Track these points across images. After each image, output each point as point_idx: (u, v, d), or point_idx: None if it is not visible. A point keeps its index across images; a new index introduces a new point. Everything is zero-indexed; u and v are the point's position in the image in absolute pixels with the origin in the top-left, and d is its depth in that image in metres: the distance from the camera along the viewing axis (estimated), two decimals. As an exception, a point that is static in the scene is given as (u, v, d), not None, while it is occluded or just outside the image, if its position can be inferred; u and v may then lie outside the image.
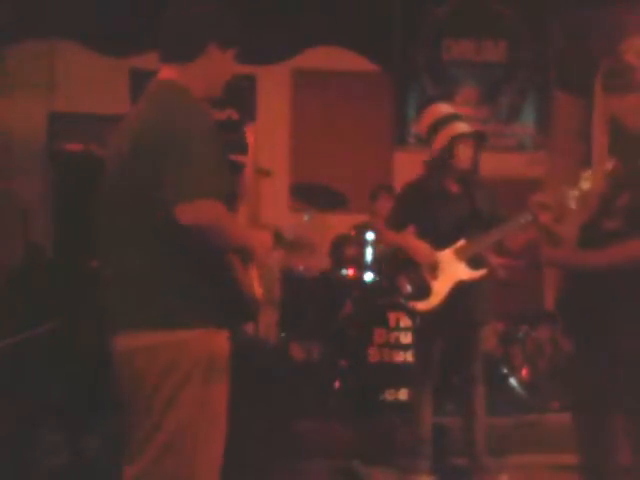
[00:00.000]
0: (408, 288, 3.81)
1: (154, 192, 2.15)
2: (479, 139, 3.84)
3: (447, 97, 4.19)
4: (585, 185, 2.88)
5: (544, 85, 6.56)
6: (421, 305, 3.76)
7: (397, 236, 3.92)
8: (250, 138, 2.92)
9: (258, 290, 2.42)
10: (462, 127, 3.78)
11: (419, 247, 3.78)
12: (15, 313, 4.54)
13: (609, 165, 2.73)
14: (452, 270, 3.74)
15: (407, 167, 5.62)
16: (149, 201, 2.18)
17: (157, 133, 2.18)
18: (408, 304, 3.82)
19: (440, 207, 3.80)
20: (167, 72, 2.34)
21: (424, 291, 3.76)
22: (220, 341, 2.34)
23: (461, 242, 3.76)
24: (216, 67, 2.37)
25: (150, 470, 2.27)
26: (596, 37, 5.36)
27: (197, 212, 2.09)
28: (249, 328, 5.16)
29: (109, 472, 3.49)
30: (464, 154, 3.78)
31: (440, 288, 3.74)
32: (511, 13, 6.43)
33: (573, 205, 2.93)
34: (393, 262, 4.05)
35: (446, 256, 3.76)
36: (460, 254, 3.75)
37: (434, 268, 3.74)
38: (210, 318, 2.29)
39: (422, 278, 3.77)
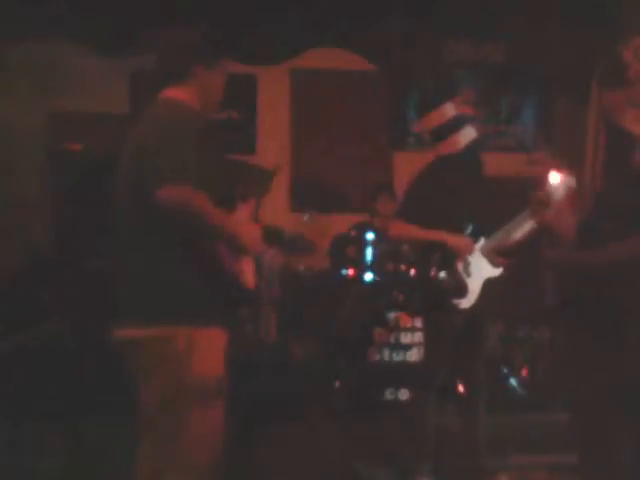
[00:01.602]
0: (449, 285, 3.78)
1: (142, 186, 2.38)
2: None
3: (449, 97, 4.19)
4: (579, 184, 2.91)
5: (544, 85, 6.56)
6: (464, 303, 3.75)
7: (425, 231, 3.86)
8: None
9: (250, 280, 2.58)
10: (473, 132, 3.81)
11: (459, 240, 3.76)
12: (15, 313, 4.54)
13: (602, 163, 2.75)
14: (480, 268, 3.76)
15: (407, 167, 5.62)
16: (140, 196, 2.39)
17: (147, 138, 2.44)
18: (450, 302, 3.78)
19: (451, 203, 3.79)
20: (167, 91, 2.57)
21: (462, 288, 3.75)
22: (209, 336, 2.45)
23: (482, 241, 3.78)
24: (206, 86, 2.60)
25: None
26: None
27: (176, 194, 2.31)
28: (249, 328, 5.17)
29: (109, 472, 3.50)
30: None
31: (474, 286, 3.75)
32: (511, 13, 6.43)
33: (570, 204, 2.95)
34: (428, 259, 4.01)
35: (475, 254, 3.78)
36: (483, 252, 3.77)
37: (468, 265, 3.75)
38: (197, 315, 2.42)
39: (459, 275, 3.77)
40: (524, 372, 4.96)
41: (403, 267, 5.09)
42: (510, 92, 6.58)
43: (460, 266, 3.76)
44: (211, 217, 2.41)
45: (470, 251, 3.76)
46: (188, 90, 2.55)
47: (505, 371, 4.88)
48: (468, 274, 3.76)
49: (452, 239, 3.77)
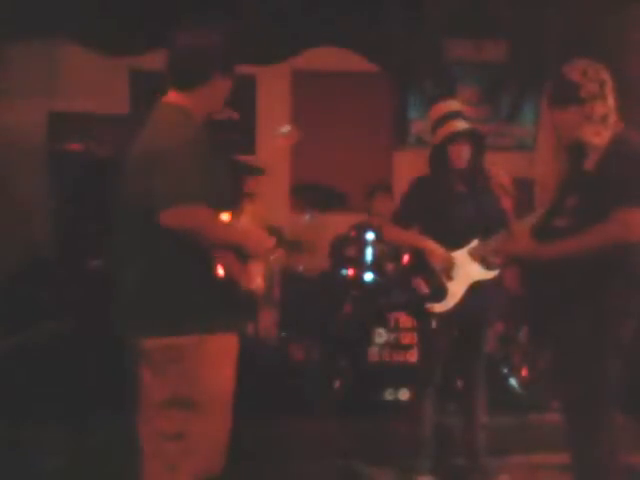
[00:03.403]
0: (425, 289, 3.80)
1: (147, 202, 2.33)
2: (474, 138, 3.81)
3: (452, 95, 4.24)
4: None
5: (544, 85, 6.55)
6: (438, 307, 3.75)
7: (409, 235, 3.89)
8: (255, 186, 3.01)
9: (259, 285, 2.54)
10: (456, 125, 3.76)
11: (434, 249, 3.76)
12: (15, 313, 4.54)
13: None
14: (467, 271, 3.74)
15: (407, 167, 5.63)
16: (143, 212, 2.35)
17: (149, 149, 2.39)
18: (425, 305, 3.80)
19: (445, 206, 3.79)
20: (172, 95, 2.52)
21: (440, 292, 3.75)
22: (218, 344, 2.42)
23: (474, 243, 3.76)
24: (217, 93, 2.56)
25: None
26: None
27: (179, 216, 2.29)
28: (249, 328, 5.16)
29: (109, 472, 3.50)
30: (457, 152, 3.76)
31: (456, 289, 3.73)
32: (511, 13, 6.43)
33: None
34: (407, 263, 4.04)
35: (461, 257, 3.75)
36: (474, 255, 3.75)
37: (449, 269, 3.74)
38: (204, 324, 2.39)
39: (438, 279, 3.76)
40: (524, 372, 4.95)
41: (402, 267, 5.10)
42: (510, 92, 6.57)
43: (441, 270, 3.76)
44: (217, 232, 2.39)
45: (444, 261, 3.74)
46: (195, 95, 2.49)
47: (505, 371, 4.88)
48: (450, 278, 3.75)
49: (428, 246, 3.77)
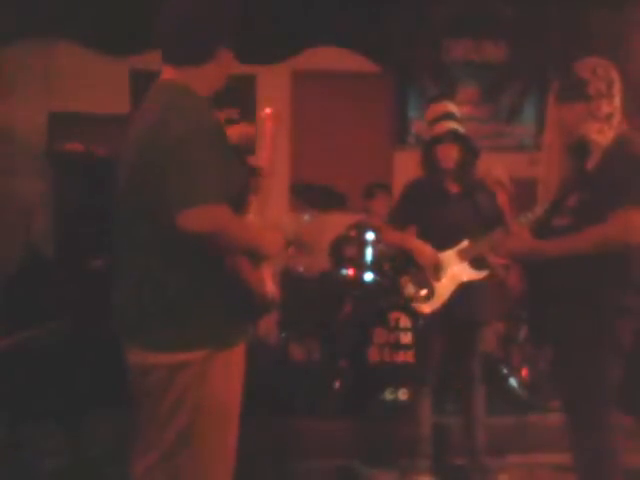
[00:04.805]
0: (411, 289, 3.82)
1: (157, 202, 2.08)
2: (461, 139, 3.81)
3: (449, 95, 4.26)
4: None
5: (544, 85, 6.56)
6: (425, 307, 3.76)
7: (399, 236, 3.92)
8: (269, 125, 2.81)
9: (272, 288, 2.34)
10: (443, 126, 3.79)
11: (422, 248, 3.77)
12: (15, 313, 4.54)
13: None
14: (455, 271, 3.74)
15: (407, 167, 5.61)
16: (151, 213, 2.11)
17: (157, 138, 2.11)
18: (412, 305, 3.82)
19: (440, 207, 3.81)
20: (170, 73, 2.27)
21: (428, 292, 3.76)
22: (227, 358, 2.27)
23: (464, 243, 3.75)
24: (222, 69, 2.31)
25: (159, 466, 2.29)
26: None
27: (200, 218, 2.01)
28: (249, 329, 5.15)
29: (109, 472, 3.50)
30: (444, 153, 3.78)
31: (443, 289, 3.74)
32: (511, 13, 6.43)
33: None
34: (396, 263, 4.06)
35: (449, 257, 3.76)
36: (463, 255, 3.75)
37: (437, 269, 3.75)
38: (211, 339, 2.21)
39: (425, 279, 3.77)
40: (524, 372, 4.95)
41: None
42: (510, 92, 6.58)
43: (429, 271, 3.76)
44: (239, 235, 2.14)
45: (430, 261, 3.75)
46: (199, 72, 2.23)
47: (505, 371, 4.88)
48: (437, 278, 3.76)
49: (416, 246, 3.78)
